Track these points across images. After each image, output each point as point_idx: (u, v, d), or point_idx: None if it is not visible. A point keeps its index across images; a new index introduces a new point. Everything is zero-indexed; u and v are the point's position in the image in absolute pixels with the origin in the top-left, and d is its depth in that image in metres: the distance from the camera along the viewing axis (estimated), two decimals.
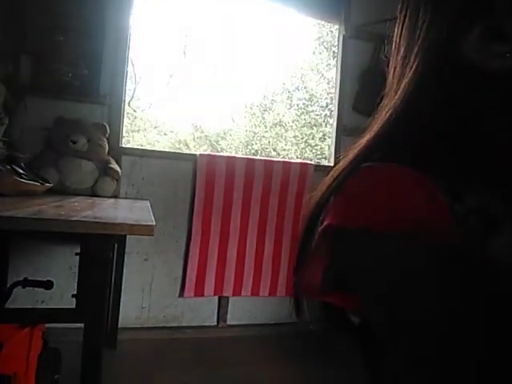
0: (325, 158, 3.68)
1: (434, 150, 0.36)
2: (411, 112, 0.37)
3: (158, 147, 4.18)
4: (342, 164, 0.38)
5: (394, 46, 0.42)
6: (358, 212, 0.33)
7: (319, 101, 4.35)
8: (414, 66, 0.37)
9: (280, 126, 4.67)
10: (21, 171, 1.46)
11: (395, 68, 0.41)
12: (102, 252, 0.90)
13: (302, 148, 4.40)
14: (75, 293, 1.25)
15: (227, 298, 2.28)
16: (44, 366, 1.25)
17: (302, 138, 4.46)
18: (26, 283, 1.35)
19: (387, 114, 0.38)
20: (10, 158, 1.48)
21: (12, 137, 1.63)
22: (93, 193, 1.89)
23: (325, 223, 0.35)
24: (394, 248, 0.29)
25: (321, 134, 4.36)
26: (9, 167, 1.42)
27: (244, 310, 2.33)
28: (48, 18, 1.93)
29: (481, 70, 0.35)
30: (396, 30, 0.42)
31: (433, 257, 0.28)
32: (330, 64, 4.05)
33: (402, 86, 0.38)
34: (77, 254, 1.29)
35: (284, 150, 4.54)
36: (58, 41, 1.93)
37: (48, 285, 1.35)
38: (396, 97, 0.38)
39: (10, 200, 1.19)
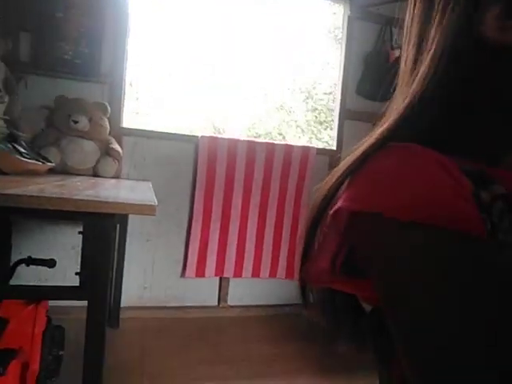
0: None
1: (458, 133, 0.35)
2: (431, 98, 0.35)
3: (160, 128, 4.16)
4: (357, 152, 0.36)
5: (405, 30, 0.40)
6: (374, 195, 0.31)
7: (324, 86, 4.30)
8: (431, 50, 0.35)
9: (282, 109, 4.63)
10: (22, 150, 1.45)
11: (408, 52, 0.39)
12: (104, 230, 0.91)
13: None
14: (78, 271, 1.27)
15: (228, 279, 2.31)
16: (48, 342, 1.28)
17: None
18: (29, 261, 1.36)
19: (406, 101, 0.36)
20: (12, 137, 1.47)
21: (13, 115, 1.62)
22: (94, 173, 1.89)
23: (337, 205, 0.33)
24: (416, 236, 0.28)
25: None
26: (10, 146, 1.41)
27: (244, 291, 2.36)
28: None
29: (505, 48, 0.33)
30: (408, 13, 0.40)
31: (456, 246, 0.27)
32: (335, 47, 3.98)
33: (421, 71, 0.36)
34: (80, 232, 1.30)
35: (287, 133, 4.50)
36: (58, 18, 1.90)
37: (51, 263, 1.36)
38: (414, 84, 0.36)
39: (11, 179, 1.19)
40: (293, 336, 2.09)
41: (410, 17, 0.39)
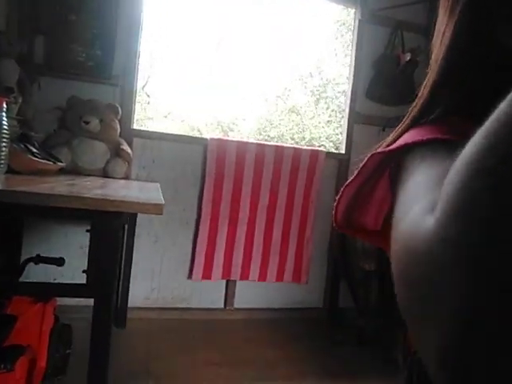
0: None
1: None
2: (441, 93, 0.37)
3: (170, 131, 4.19)
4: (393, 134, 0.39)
5: (436, 33, 0.42)
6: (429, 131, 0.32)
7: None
8: (445, 40, 0.37)
9: (295, 112, 4.64)
10: (34, 150, 1.48)
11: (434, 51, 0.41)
12: (112, 229, 0.92)
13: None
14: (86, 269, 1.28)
15: (235, 281, 2.30)
16: (56, 340, 1.29)
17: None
18: (38, 259, 1.38)
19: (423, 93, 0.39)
20: (24, 137, 1.50)
21: (26, 116, 1.65)
22: (104, 174, 1.91)
23: (380, 150, 0.34)
24: None
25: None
26: (23, 146, 1.44)
27: (251, 294, 2.35)
28: None
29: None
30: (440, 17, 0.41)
31: None
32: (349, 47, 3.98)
33: (433, 67, 0.38)
34: (87, 230, 1.31)
35: (303, 138, 4.50)
36: (71, 21, 1.93)
37: (60, 262, 1.38)
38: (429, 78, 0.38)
39: (23, 177, 1.21)
40: (298, 340, 2.07)
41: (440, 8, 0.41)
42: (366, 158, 0.35)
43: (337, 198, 0.39)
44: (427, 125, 0.36)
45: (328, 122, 4.53)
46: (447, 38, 0.37)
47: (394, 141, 0.37)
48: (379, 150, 0.35)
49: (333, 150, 3.01)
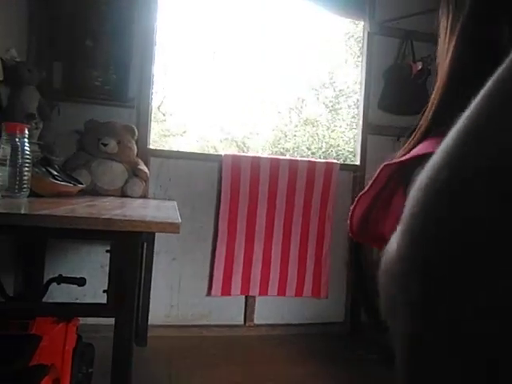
0: None
1: None
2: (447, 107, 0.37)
3: (185, 148, 4.24)
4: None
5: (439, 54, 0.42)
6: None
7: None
8: (449, 55, 0.37)
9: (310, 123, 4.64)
10: (55, 173, 1.52)
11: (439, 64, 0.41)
12: (131, 248, 0.93)
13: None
14: (106, 289, 1.30)
15: (254, 297, 2.29)
16: (78, 359, 1.31)
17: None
18: (60, 280, 1.41)
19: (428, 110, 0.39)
20: (45, 161, 1.55)
21: (46, 140, 1.71)
22: (122, 193, 1.95)
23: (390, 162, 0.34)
24: None
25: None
26: (44, 169, 1.49)
27: (271, 310, 2.33)
28: (79, 25, 2.01)
29: None
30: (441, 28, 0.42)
31: None
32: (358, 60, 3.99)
33: (437, 82, 0.38)
34: (107, 251, 1.34)
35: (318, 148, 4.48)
36: (88, 46, 2.01)
37: (81, 282, 1.40)
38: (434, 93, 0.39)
39: (45, 200, 1.25)
40: (320, 355, 2.04)
41: (441, 24, 0.41)
42: (378, 170, 0.35)
43: (351, 208, 0.39)
44: (440, 136, 0.36)
45: (342, 132, 4.52)
46: (450, 56, 0.37)
47: (407, 153, 0.38)
48: (392, 161, 0.35)
49: (350, 157, 3.00)
